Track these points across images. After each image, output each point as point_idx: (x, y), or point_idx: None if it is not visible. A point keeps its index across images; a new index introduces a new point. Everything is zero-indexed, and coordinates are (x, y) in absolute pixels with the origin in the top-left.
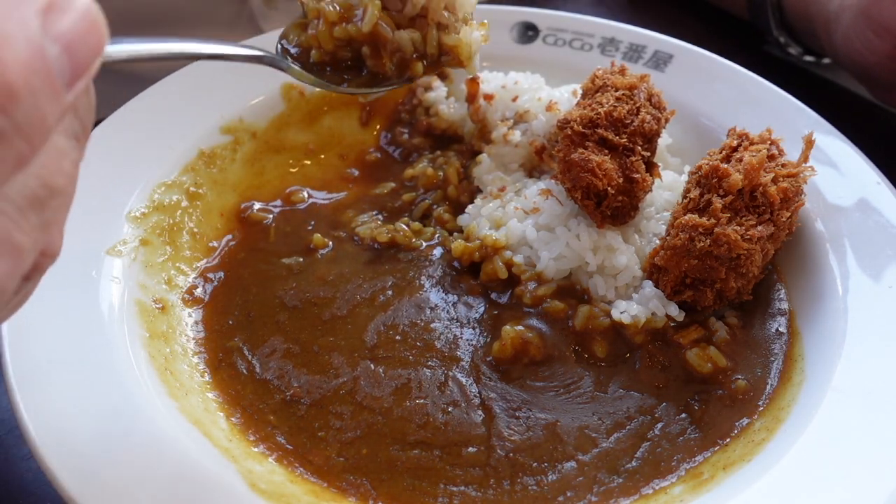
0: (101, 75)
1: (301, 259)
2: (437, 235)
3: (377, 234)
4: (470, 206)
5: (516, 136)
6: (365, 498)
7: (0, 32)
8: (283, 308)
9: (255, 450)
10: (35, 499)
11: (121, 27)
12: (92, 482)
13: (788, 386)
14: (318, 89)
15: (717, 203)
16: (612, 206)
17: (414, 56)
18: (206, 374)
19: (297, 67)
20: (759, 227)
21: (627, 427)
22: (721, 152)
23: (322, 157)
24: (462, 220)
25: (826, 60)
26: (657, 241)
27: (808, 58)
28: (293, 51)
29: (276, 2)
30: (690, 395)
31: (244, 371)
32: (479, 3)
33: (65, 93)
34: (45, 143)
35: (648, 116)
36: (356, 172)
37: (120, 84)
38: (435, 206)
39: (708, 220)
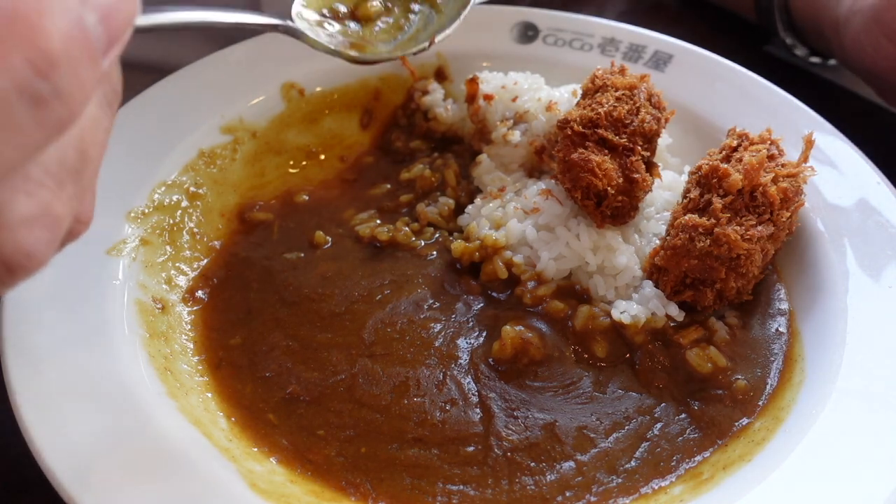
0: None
1: (302, 254)
2: (436, 235)
3: (377, 232)
4: (470, 207)
5: (516, 136)
6: (364, 497)
7: (42, 4)
8: (282, 305)
9: (255, 449)
10: (35, 499)
11: None
12: (92, 482)
13: (788, 386)
14: (317, 89)
15: (717, 203)
16: (612, 206)
17: None
18: (206, 374)
19: (311, 36)
20: (759, 227)
21: (626, 427)
22: (721, 152)
23: (322, 158)
24: (462, 220)
25: (832, 62)
26: (657, 241)
27: (815, 59)
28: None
29: None
30: (690, 395)
31: (244, 369)
32: (480, 2)
33: (102, 59)
34: (84, 109)
35: (648, 116)
36: (356, 174)
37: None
38: (434, 207)
39: (708, 220)
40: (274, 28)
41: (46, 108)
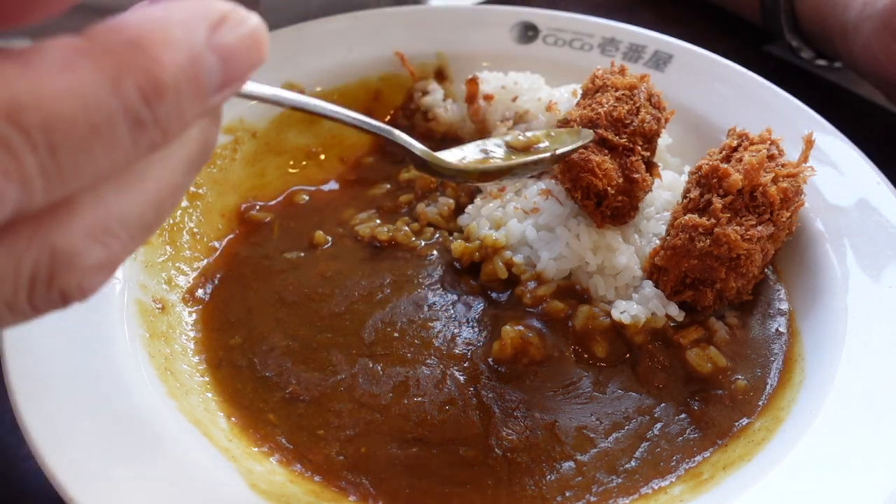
0: None
1: (302, 254)
2: (436, 235)
3: (377, 232)
4: (470, 206)
5: None
6: (364, 497)
7: (168, 36)
8: (282, 304)
9: (255, 450)
10: (35, 499)
11: None
12: (92, 482)
13: (788, 386)
14: (317, 89)
15: (717, 203)
16: (612, 206)
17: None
18: (206, 374)
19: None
20: (759, 227)
21: (626, 427)
22: (721, 152)
23: (322, 158)
24: (462, 220)
25: (837, 65)
26: (657, 241)
27: (821, 62)
28: None
29: None
30: (690, 395)
31: (244, 369)
32: (480, 2)
33: (208, 97)
34: (178, 135)
35: (648, 116)
36: (356, 174)
37: None
38: (434, 207)
39: (708, 220)
40: (389, 134)
41: (144, 132)
